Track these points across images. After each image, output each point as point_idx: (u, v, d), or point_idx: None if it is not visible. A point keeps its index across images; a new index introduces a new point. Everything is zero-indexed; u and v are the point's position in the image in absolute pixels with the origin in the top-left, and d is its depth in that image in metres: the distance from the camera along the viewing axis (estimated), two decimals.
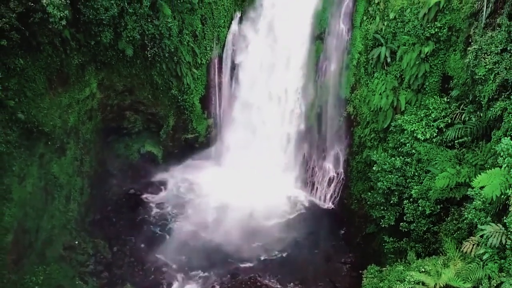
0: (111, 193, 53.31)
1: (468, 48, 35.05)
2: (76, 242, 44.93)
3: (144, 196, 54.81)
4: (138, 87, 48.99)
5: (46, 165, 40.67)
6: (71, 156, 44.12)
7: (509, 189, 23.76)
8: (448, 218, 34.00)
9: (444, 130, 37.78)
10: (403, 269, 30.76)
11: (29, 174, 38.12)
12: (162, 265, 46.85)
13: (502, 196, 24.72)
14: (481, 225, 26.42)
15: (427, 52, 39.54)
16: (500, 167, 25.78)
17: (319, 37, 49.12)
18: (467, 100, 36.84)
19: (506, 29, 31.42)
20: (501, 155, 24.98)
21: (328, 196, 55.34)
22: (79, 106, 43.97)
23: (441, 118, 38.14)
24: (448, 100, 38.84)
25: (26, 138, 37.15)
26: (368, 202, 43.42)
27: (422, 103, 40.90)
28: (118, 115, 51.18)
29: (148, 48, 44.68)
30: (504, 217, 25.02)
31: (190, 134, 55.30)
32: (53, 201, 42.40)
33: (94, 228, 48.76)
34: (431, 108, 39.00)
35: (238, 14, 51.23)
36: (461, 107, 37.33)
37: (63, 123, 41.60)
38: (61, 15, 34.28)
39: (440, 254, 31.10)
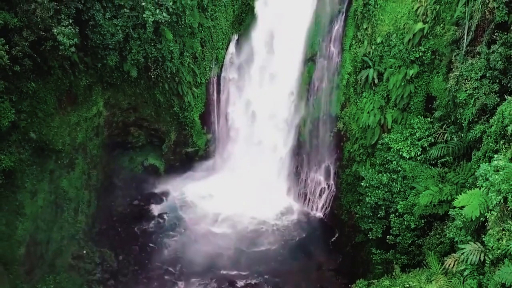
0: (117, 204, 53.35)
1: (450, 74, 35.58)
2: (84, 252, 45.17)
3: (147, 206, 54.86)
4: (141, 105, 49.30)
5: (56, 180, 41.08)
6: (79, 171, 44.46)
7: (488, 212, 24.17)
8: (432, 233, 34.36)
9: (427, 149, 38.14)
10: (389, 284, 31.09)
11: (40, 190, 38.57)
12: (164, 273, 47.10)
13: (481, 218, 25.17)
14: (461, 243, 26.82)
15: (412, 74, 39.98)
16: (480, 188, 26.21)
17: (311, 59, 49.55)
18: (449, 121, 37.28)
19: (485, 56, 31.83)
20: (480, 179, 25.37)
21: (320, 207, 55.59)
22: (87, 124, 44.32)
23: (425, 138, 38.49)
24: (432, 120, 39.30)
25: (37, 156, 37.64)
26: (357, 215, 43.82)
27: (408, 122, 41.30)
28: (123, 130, 51.53)
29: (152, 70, 45.10)
30: (483, 235, 25.40)
31: (191, 148, 55.57)
32: (62, 214, 42.75)
33: (101, 238, 48.91)
34: (416, 127, 39.39)
35: (235, 37, 51.64)
36: (444, 127, 37.71)
37: (72, 140, 42.00)
38: (71, 42, 34.73)
39: (424, 267, 31.47)
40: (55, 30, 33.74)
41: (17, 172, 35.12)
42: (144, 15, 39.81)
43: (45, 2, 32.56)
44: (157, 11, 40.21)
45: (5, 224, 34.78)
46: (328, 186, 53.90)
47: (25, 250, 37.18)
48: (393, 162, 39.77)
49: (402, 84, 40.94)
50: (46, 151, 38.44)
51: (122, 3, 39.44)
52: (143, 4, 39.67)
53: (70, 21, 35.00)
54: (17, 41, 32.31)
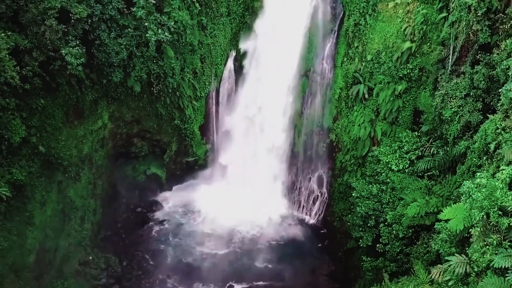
0: (121, 211, 53.43)
1: (436, 92, 36.11)
2: (90, 258, 45.38)
3: (149, 213, 55.02)
4: (144, 118, 49.45)
5: (64, 191, 41.24)
6: (85, 181, 44.62)
7: (472, 228, 24.44)
8: (419, 242, 34.52)
9: (415, 162, 38.40)
10: None
11: (49, 200, 38.73)
12: (166, 278, 47.24)
13: (465, 232, 25.49)
14: (446, 255, 27.06)
15: (400, 90, 40.57)
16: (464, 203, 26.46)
17: (305, 74, 50.00)
18: (435, 135, 37.74)
19: (469, 76, 32.33)
20: (463, 195, 25.62)
21: (313, 214, 55.84)
22: (93, 136, 44.50)
23: (412, 151, 38.79)
24: (419, 134, 39.69)
25: (46, 168, 37.81)
26: (348, 223, 44.02)
27: (396, 135, 41.77)
28: (126, 141, 51.60)
29: (154, 85, 45.38)
30: (467, 247, 25.68)
31: (191, 158, 55.85)
32: (69, 222, 42.89)
33: (106, 244, 49.05)
34: (404, 141, 39.72)
35: (233, 53, 51.97)
36: (430, 141, 38.10)
37: (78, 152, 42.12)
38: (78, 62, 34.95)
39: (412, 274, 31.64)
40: (63, 51, 34.01)
41: (27, 184, 35.30)
42: (147, 35, 40.12)
43: (54, 24, 32.80)
44: (159, 30, 40.52)
45: (16, 234, 34.84)
46: (321, 194, 54.21)
47: (34, 257, 37.31)
48: (383, 174, 39.99)
49: (391, 99, 41.47)
50: (54, 164, 38.56)
51: (126, 24, 39.75)
52: (146, 24, 39.97)
53: (78, 42, 35.28)
54: (27, 61, 32.69)
